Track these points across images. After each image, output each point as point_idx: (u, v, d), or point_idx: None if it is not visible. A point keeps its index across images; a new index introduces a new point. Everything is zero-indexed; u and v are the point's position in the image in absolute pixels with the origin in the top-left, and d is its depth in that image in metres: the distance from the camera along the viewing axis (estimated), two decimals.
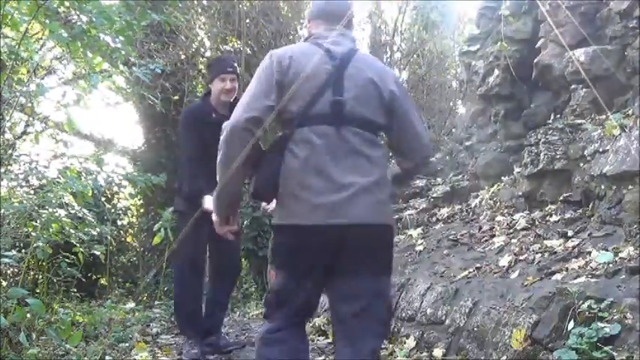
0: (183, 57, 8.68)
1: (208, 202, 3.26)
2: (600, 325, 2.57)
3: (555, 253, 3.68)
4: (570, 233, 3.89)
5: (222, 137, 2.17)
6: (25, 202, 4.21)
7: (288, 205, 2.16)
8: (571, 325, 2.70)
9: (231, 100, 3.90)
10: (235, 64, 4.06)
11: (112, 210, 7.93)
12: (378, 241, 2.21)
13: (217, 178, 2.20)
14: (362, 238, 2.15)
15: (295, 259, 2.19)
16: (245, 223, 9.10)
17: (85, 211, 4.72)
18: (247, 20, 8.97)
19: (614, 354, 2.45)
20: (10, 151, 4.90)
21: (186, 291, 4.05)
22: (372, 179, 2.16)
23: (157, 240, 4.24)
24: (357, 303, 2.18)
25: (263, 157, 2.22)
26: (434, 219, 6.00)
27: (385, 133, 2.37)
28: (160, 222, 4.11)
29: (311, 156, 2.13)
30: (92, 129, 9.43)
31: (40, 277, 5.01)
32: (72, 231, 4.33)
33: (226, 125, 2.16)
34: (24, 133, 5.08)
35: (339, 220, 2.10)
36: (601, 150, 3.95)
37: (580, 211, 4.16)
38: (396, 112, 2.28)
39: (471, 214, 5.61)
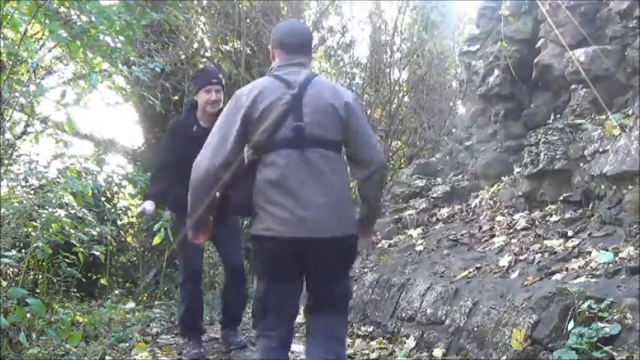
0: (183, 57, 8.68)
1: (148, 205, 3.99)
2: (600, 325, 2.58)
3: (555, 253, 3.68)
4: (570, 233, 3.89)
5: (194, 177, 2.48)
6: (24, 202, 4.21)
7: (261, 218, 2.48)
8: (571, 325, 2.70)
9: (217, 110, 3.91)
10: (220, 76, 4.15)
11: (112, 210, 7.92)
12: (339, 250, 2.54)
13: (188, 206, 2.58)
14: (324, 248, 2.47)
15: (271, 267, 2.53)
16: (245, 223, 9.09)
17: (85, 211, 4.71)
18: (247, 20, 8.97)
19: (614, 354, 2.45)
20: (10, 151, 4.90)
21: (184, 294, 4.23)
22: (332, 195, 2.48)
23: (157, 240, 4.25)
24: (323, 301, 2.63)
25: (238, 179, 2.51)
26: (434, 219, 6.00)
27: (345, 146, 2.62)
28: (160, 222, 4.11)
29: (278, 176, 2.44)
30: (92, 129, 9.44)
31: (40, 277, 5.01)
32: (72, 231, 4.33)
33: (199, 166, 2.47)
34: (24, 133, 5.08)
35: (303, 234, 2.41)
36: (601, 150, 3.95)
37: (580, 211, 4.16)
38: (352, 125, 2.56)
39: (471, 214, 5.61)
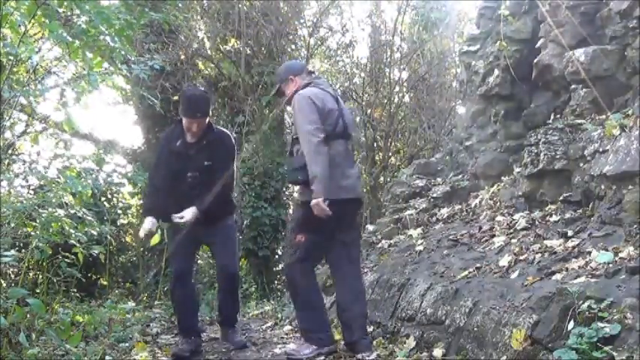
0: (183, 57, 8.68)
1: (148, 223, 4.11)
2: (600, 325, 2.57)
3: (555, 253, 3.68)
4: (570, 233, 3.89)
5: (312, 146, 3.58)
6: (24, 202, 4.21)
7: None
8: (571, 325, 2.70)
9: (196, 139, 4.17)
10: (204, 107, 4.12)
11: (112, 210, 7.93)
12: (360, 205, 4.29)
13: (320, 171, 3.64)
14: (356, 205, 4.03)
15: (323, 223, 3.64)
16: (245, 223, 9.10)
17: (85, 210, 4.71)
18: (247, 20, 8.97)
19: (614, 354, 2.45)
20: (10, 151, 4.90)
21: (172, 294, 4.41)
22: (356, 171, 3.96)
23: (155, 240, 4.26)
24: (347, 248, 3.92)
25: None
26: (434, 219, 6.00)
27: None
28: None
29: (335, 157, 3.70)
30: (92, 129, 9.44)
31: (40, 277, 5.01)
32: (72, 231, 4.33)
33: (311, 137, 3.59)
34: (24, 133, 5.08)
35: (352, 195, 3.82)
36: (601, 150, 3.95)
37: (580, 211, 4.16)
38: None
39: (471, 214, 5.61)
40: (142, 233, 4.11)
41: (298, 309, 4.02)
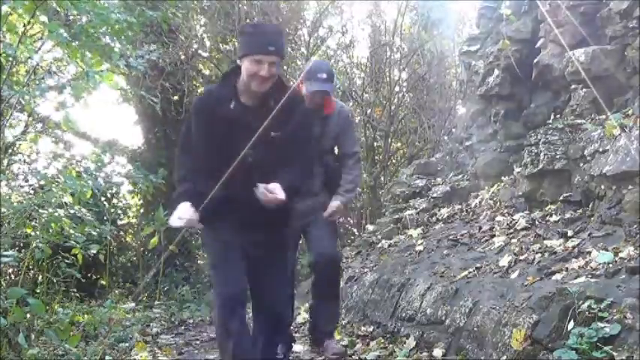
0: (183, 57, 8.68)
1: (183, 211, 2.59)
2: (600, 325, 2.57)
3: (555, 253, 3.68)
4: (570, 233, 3.89)
5: (360, 166, 3.70)
6: (24, 202, 4.21)
7: None
8: (571, 325, 2.70)
9: (267, 90, 2.70)
10: (282, 43, 2.74)
11: (112, 210, 7.92)
12: None
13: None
14: None
15: None
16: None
17: (84, 210, 4.71)
18: (247, 20, 8.97)
19: (614, 354, 2.45)
20: (9, 151, 4.90)
21: (219, 328, 2.94)
22: None
23: (152, 243, 4.22)
24: None
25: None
26: (434, 219, 6.00)
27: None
28: (152, 224, 4.06)
29: None
30: (92, 129, 9.43)
31: (40, 277, 5.00)
32: (72, 231, 4.32)
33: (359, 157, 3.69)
34: (24, 133, 5.08)
35: None
36: (601, 150, 3.94)
37: (580, 211, 4.15)
38: None
39: (471, 214, 5.61)
40: (177, 222, 2.61)
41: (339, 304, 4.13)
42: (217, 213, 2.63)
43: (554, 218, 4.29)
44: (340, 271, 4.30)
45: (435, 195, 6.40)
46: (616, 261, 3.15)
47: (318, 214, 3.79)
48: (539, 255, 3.74)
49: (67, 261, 4.66)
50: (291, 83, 3.15)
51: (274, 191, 2.56)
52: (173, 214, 2.59)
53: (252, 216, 2.67)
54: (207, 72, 9.78)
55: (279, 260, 2.95)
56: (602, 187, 3.83)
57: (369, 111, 10.26)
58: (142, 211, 9.02)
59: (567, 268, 3.33)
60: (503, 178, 5.60)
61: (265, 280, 2.86)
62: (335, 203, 3.82)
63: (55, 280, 4.85)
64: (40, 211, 4.12)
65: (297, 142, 2.78)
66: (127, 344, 4.39)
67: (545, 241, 3.92)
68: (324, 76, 3.66)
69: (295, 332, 4.69)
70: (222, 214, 2.66)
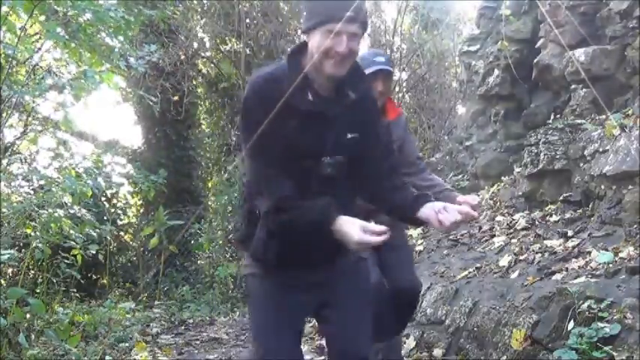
0: (183, 57, 8.68)
1: (347, 221, 1.80)
2: (600, 325, 2.57)
3: (555, 253, 3.68)
4: (570, 233, 3.89)
5: None
6: (24, 202, 4.21)
7: None
8: (571, 325, 2.70)
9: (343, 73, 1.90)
10: (363, 7, 1.92)
11: (112, 210, 7.92)
12: None
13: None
14: None
15: None
16: None
17: (84, 210, 4.71)
18: (247, 20, 8.97)
19: (614, 354, 2.45)
20: (9, 151, 4.89)
21: None
22: None
23: (153, 243, 4.20)
24: None
25: None
26: None
27: None
28: (151, 224, 4.04)
29: None
30: (92, 129, 9.43)
31: (40, 277, 5.00)
32: (72, 232, 4.32)
33: None
34: (23, 133, 5.07)
35: None
36: (601, 150, 3.94)
37: (580, 211, 4.15)
38: None
39: None
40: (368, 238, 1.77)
41: None
42: (277, 254, 1.94)
43: (554, 218, 4.29)
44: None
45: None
46: (616, 261, 3.15)
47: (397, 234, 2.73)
48: (539, 255, 3.74)
49: (66, 261, 4.66)
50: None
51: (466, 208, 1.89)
52: (351, 233, 1.77)
53: (316, 250, 1.94)
54: (207, 72, 9.78)
55: (355, 293, 2.11)
56: (602, 187, 3.83)
57: None
58: (141, 211, 9.02)
59: (567, 268, 3.33)
60: (503, 178, 5.60)
61: (340, 325, 2.07)
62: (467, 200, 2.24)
63: (55, 280, 4.85)
64: (40, 211, 4.11)
65: (379, 147, 2.08)
66: (127, 344, 4.39)
67: (545, 241, 3.92)
68: (382, 59, 2.97)
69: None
70: (281, 255, 1.93)
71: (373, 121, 2.07)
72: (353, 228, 1.76)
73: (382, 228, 1.75)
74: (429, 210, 1.91)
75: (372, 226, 1.76)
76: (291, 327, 2.05)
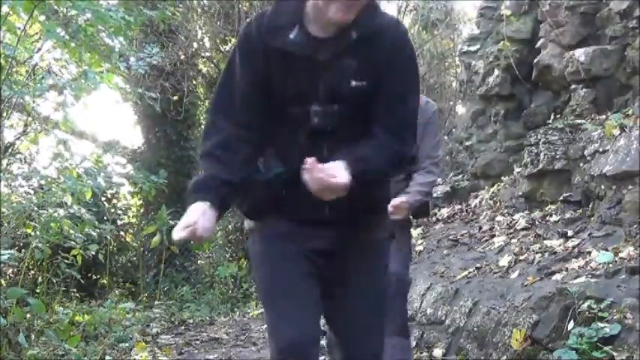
0: (182, 57, 8.67)
1: (193, 215, 1.59)
2: (600, 325, 2.57)
3: (555, 253, 3.68)
4: (570, 233, 3.89)
5: None
6: (24, 202, 4.21)
7: None
8: (571, 325, 2.70)
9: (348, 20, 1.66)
10: None
11: (112, 210, 7.92)
12: None
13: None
14: None
15: None
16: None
17: (84, 210, 4.71)
18: (247, 20, 8.97)
19: (614, 354, 2.45)
20: (9, 151, 4.90)
21: None
22: None
23: (155, 242, 4.20)
24: None
25: None
26: (434, 219, 6.00)
27: None
28: (154, 223, 4.03)
29: None
30: (92, 129, 9.44)
31: (40, 277, 5.00)
32: (72, 232, 4.32)
33: None
34: (23, 133, 5.08)
35: None
36: (601, 150, 3.94)
37: (580, 211, 4.15)
38: None
39: (470, 214, 5.61)
40: (179, 234, 1.59)
41: None
42: (268, 205, 1.72)
43: (554, 218, 4.29)
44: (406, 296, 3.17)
45: (435, 195, 6.40)
46: (616, 261, 3.15)
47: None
48: (539, 255, 3.74)
49: (66, 261, 4.66)
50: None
51: (329, 171, 1.53)
52: (181, 219, 1.60)
53: (320, 208, 1.64)
54: (207, 72, 9.78)
55: (369, 276, 1.80)
56: (602, 187, 3.83)
57: None
58: (142, 211, 9.02)
59: (567, 268, 3.33)
60: (503, 178, 5.61)
61: (348, 309, 1.78)
62: (401, 199, 2.62)
63: (55, 280, 4.85)
64: (40, 211, 4.11)
65: (393, 99, 1.71)
66: (127, 344, 4.39)
67: (545, 241, 3.92)
68: None
69: None
70: (275, 207, 1.71)
71: (394, 63, 1.69)
72: (182, 221, 1.59)
73: (190, 222, 1.58)
74: None
75: (188, 220, 1.59)
76: (303, 285, 1.72)
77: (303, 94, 1.68)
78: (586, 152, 4.14)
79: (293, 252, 1.73)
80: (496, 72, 5.91)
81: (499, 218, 4.95)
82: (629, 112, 4.06)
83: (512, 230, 4.50)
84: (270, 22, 1.72)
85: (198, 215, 1.58)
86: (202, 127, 10.02)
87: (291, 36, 1.68)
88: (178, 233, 1.57)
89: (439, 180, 6.85)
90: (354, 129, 1.70)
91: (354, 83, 1.68)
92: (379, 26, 1.70)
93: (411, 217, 2.84)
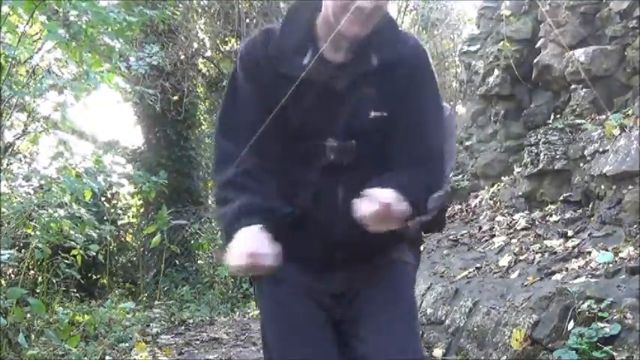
0: (182, 57, 8.68)
1: (250, 242, 1.39)
2: (600, 325, 2.57)
3: (555, 253, 3.68)
4: (570, 233, 3.89)
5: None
6: (24, 202, 4.21)
7: None
8: (571, 325, 2.70)
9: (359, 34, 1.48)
10: None
11: (112, 210, 7.93)
12: None
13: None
14: None
15: None
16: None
17: (84, 210, 4.71)
18: (247, 20, 8.97)
19: (614, 354, 2.45)
20: (9, 151, 4.90)
21: None
22: None
23: (155, 242, 4.21)
24: None
25: None
26: None
27: None
28: (154, 223, 4.05)
29: None
30: (92, 129, 9.44)
31: (40, 277, 5.01)
32: (72, 232, 4.32)
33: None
34: (23, 132, 5.08)
35: None
36: (601, 150, 3.95)
37: (580, 211, 4.15)
38: None
39: (470, 214, 5.61)
40: (240, 260, 1.37)
41: None
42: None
43: (554, 218, 4.29)
44: None
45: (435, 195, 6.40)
46: (616, 261, 3.15)
47: None
48: (539, 255, 3.75)
49: (66, 261, 4.66)
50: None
51: (385, 200, 1.34)
52: (231, 249, 1.39)
53: (331, 249, 1.53)
54: (207, 72, 9.78)
55: (396, 306, 1.59)
56: (602, 187, 3.83)
57: None
58: (142, 211, 9.03)
59: (567, 268, 3.33)
60: (503, 178, 5.61)
61: (376, 338, 1.53)
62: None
63: (55, 280, 4.86)
64: (40, 211, 4.12)
65: (416, 128, 1.55)
66: (127, 344, 4.39)
67: (545, 241, 3.92)
68: None
69: None
70: (287, 249, 1.42)
71: (415, 90, 1.54)
72: (235, 251, 1.38)
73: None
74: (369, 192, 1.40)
75: (256, 246, 1.37)
76: (314, 338, 1.55)
77: (318, 128, 1.50)
78: (586, 152, 4.15)
79: (302, 303, 1.56)
80: (496, 72, 5.91)
81: (499, 218, 4.95)
82: (629, 112, 4.06)
83: (512, 230, 4.50)
84: (279, 44, 1.52)
85: (258, 238, 1.38)
86: (202, 127, 10.08)
87: (304, 61, 1.47)
88: (240, 259, 1.36)
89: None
90: (373, 163, 1.51)
91: (373, 114, 1.51)
92: (401, 51, 1.53)
93: (423, 232, 2.73)
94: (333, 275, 1.56)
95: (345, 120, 1.50)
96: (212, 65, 9.62)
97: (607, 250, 3.33)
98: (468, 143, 6.59)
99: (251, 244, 1.37)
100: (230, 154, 1.52)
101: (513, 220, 4.67)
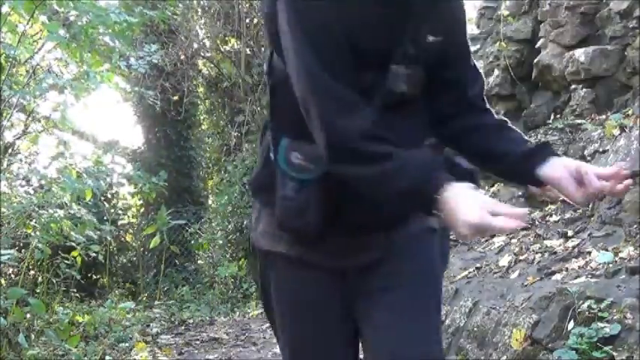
0: (182, 57, 8.68)
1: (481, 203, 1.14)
2: (600, 325, 2.57)
3: (555, 253, 3.68)
4: (570, 233, 3.89)
5: None
6: (24, 202, 4.21)
7: None
8: (571, 325, 2.70)
9: None
10: None
11: (112, 210, 7.93)
12: None
13: None
14: None
15: None
16: (245, 222, 9.09)
17: (84, 211, 4.72)
18: (247, 20, 8.97)
19: (614, 354, 2.45)
20: (9, 151, 4.90)
21: None
22: None
23: (154, 242, 4.21)
24: None
25: None
26: None
27: None
28: (154, 223, 4.06)
29: None
30: (92, 129, 9.44)
31: (40, 277, 5.01)
32: (72, 232, 4.32)
33: None
34: (23, 132, 5.09)
35: None
36: (601, 150, 3.95)
37: (580, 211, 4.15)
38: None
39: None
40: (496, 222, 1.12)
41: None
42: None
43: (554, 218, 4.29)
44: None
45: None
46: (616, 261, 3.15)
47: None
48: (539, 255, 3.74)
49: (66, 261, 4.66)
50: None
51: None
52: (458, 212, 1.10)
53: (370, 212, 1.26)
54: (207, 72, 9.79)
55: (419, 282, 1.39)
56: None
57: None
58: (142, 211, 9.03)
59: (567, 268, 3.33)
60: None
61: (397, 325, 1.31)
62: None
63: (55, 280, 4.86)
64: (40, 211, 4.12)
65: (466, 56, 1.51)
66: (127, 344, 4.39)
67: (545, 241, 3.92)
68: None
69: None
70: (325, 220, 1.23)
71: (462, 19, 1.48)
72: (470, 203, 1.09)
73: (520, 211, 1.17)
74: (558, 167, 1.26)
75: (501, 206, 1.15)
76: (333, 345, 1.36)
77: (383, 48, 1.23)
78: (586, 152, 4.15)
79: (329, 303, 1.36)
80: (496, 72, 5.91)
81: None
82: (629, 112, 4.06)
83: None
84: None
85: (470, 194, 1.12)
86: (202, 127, 10.08)
87: None
88: (494, 222, 1.10)
89: None
90: (422, 97, 1.31)
91: (430, 38, 1.30)
92: None
93: None
94: (360, 245, 1.30)
95: (411, 40, 1.25)
96: (212, 65, 9.62)
97: (607, 250, 3.33)
98: None
99: (486, 201, 1.14)
100: (345, 97, 1.17)
101: None
